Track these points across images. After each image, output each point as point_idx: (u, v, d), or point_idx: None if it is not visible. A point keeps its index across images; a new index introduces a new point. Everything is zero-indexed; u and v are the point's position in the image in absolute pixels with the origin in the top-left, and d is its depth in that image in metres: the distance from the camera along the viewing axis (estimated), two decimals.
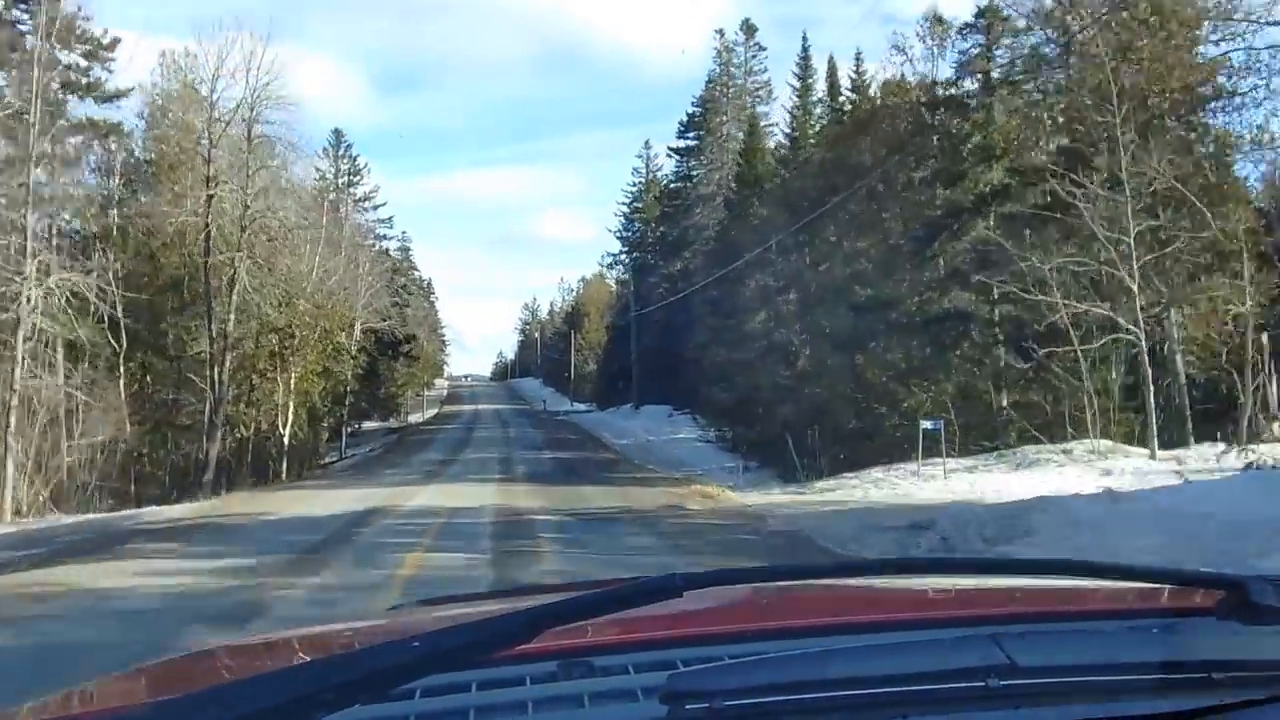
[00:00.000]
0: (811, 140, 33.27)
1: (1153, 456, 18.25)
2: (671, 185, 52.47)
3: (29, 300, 23.88)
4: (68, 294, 24.83)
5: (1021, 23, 23.42)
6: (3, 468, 23.03)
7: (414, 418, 66.32)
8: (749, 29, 50.09)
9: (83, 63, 29.49)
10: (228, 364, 31.08)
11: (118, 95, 29.56)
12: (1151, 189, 19.29)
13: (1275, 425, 19.52)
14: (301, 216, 33.62)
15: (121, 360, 31.03)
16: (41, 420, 25.90)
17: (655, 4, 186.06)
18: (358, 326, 47.92)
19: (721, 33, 50.20)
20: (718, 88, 49.86)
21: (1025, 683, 0.95)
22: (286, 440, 36.50)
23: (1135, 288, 18.37)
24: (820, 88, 35.25)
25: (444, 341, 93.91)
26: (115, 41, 29.21)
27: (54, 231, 31.02)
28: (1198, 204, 18.80)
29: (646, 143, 65.78)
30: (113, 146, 30.12)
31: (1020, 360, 21.84)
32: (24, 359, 24.16)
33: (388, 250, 55.37)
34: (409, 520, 15.29)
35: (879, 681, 0.94)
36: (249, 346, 33.91)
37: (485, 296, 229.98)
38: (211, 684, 1.14)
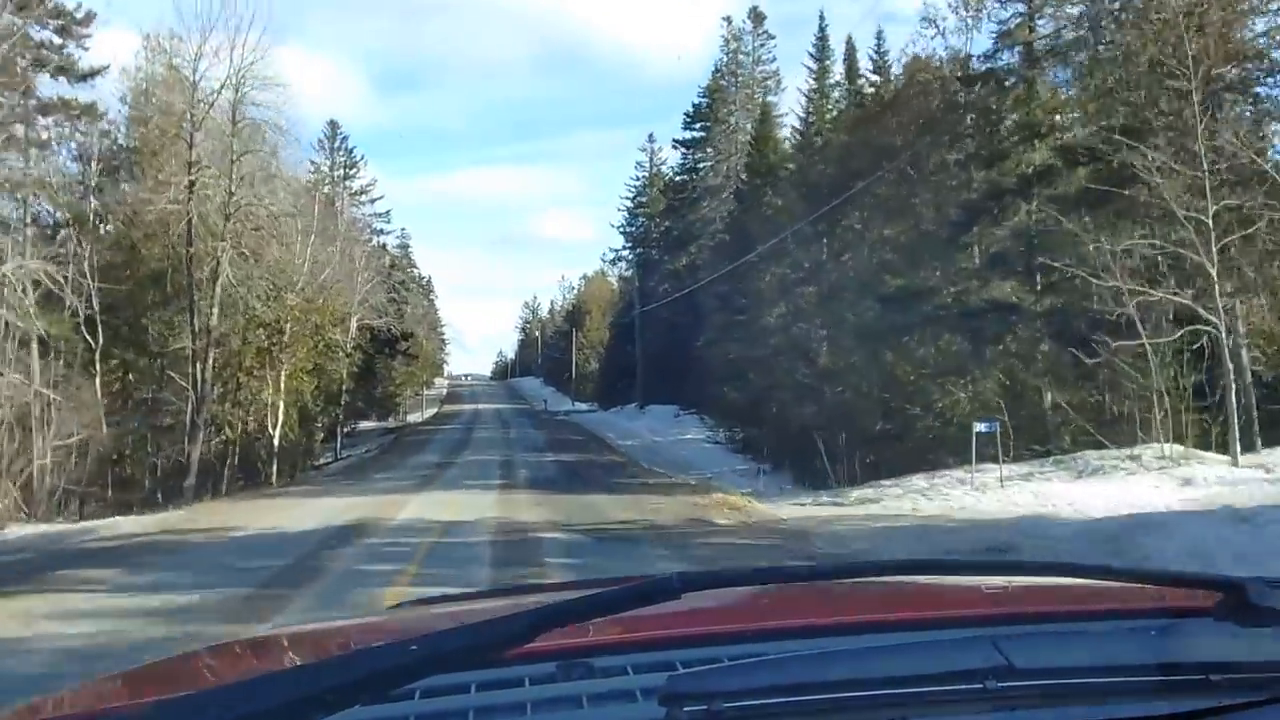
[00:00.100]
0: (829, 125, 31.00)
1: (1235, 463, 15.98)
2: (677, 178, 50.15)
3: None
4: (26, 284, 22.45)
5: None
6: None
7: (413, 417, 63.98)
8: (757, 17, 47.87)
9: (55, 39, 27.18)
10: (211, 361, 28.76)
11: (92, 74, 27.24)
12: (1226, 165, 17.02)
13: None
14: (292, 205, 31.22)
15: (98, 357, 28.71)
16: (4, 417, 23.62)
17: (656, 4, 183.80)
18: (353, 323, 45.67)
19: (729, 20, 47.99)
20: (725, 77, 47.59)
21: (1023, 684, 0.93)
22: (276, 441, 34.17)
23: (1214, 273, 16.08)
24: (837, 70, 32.99)
25: (443, 340, 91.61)
26: (90, 16, 26.89)
27: (28, 219, 28.81)
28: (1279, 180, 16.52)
29: (650, 136, 63.52)
30: (87, 128, 27.70)
31: (1072, 355, 19.57)
32: None
33: (384, 245, 53.08)
34: (395, 539, 13.00)
35: (878, 683, 0.92)
36: (235, 343, 31.61)
37: (486, 296, 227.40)
38: (211, 684, 1.10)
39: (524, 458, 31.70)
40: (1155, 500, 13.99)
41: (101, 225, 32.91)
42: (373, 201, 52.84)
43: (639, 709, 0.98)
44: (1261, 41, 18.59)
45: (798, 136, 33.25)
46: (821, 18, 35.73)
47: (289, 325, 33.05)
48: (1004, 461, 17.89)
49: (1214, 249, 16.05)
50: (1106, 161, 18.94)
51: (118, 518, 18.89)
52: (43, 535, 16.34)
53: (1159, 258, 17.90)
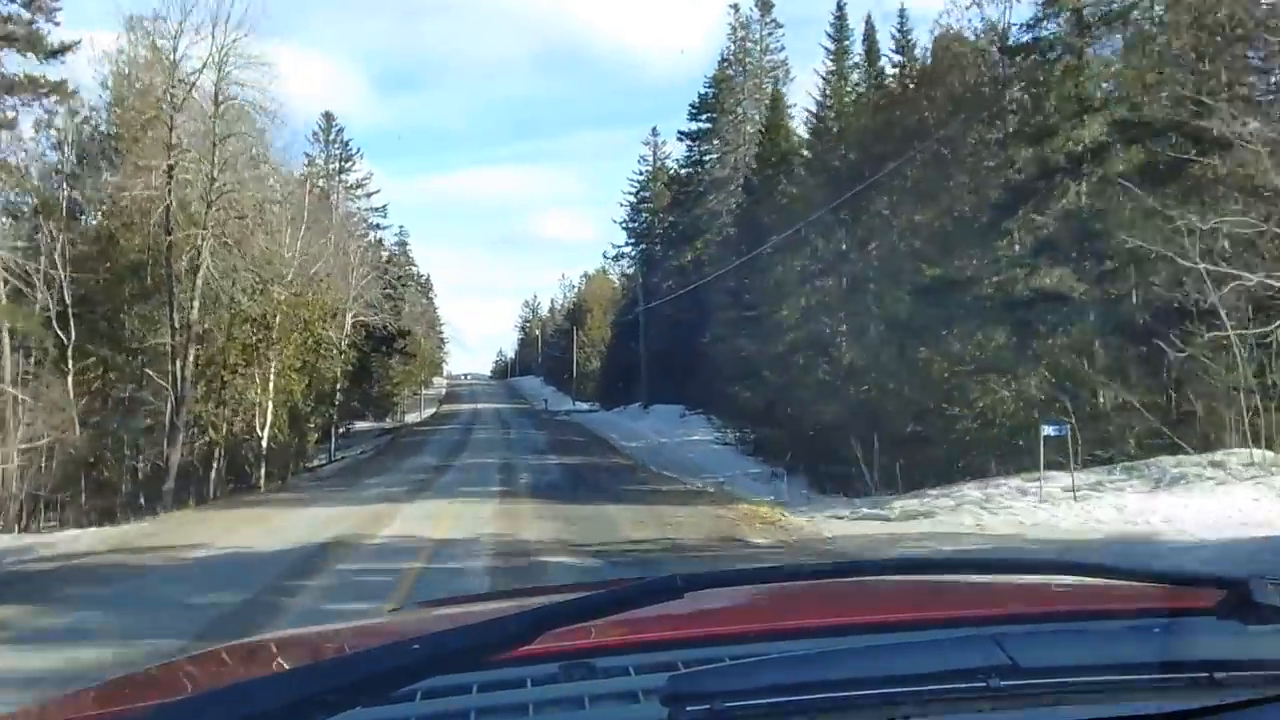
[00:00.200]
0: (849, 109, 28.88)
1: None
2: (682, 171, 47.95)
3: None
4: None
5: None
6: None
7: (411, 417, 61.76)
8: (765, 5, 45.65)
9: (24, 14, 24.99)
10: (191, 358, 26.58)
11: (62, 49, 25.03)
12: None
13: None
14: (280, 193, 29.04)
15: (70, 353, 26.56)
16: None
17: (657, 3, 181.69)
18: (349, 319, 43.50)
19: (736, 8, 45.76)
20: (732, 66, 45.41)
21: (1026, 683, 0.92)
22: (265, 443, 31.99)
23: None
24: (856, 51, 30.88)
25: (442, 339, 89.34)
26: None
27: None
28: None
29: (654, 130, 61.30)
30: (57, 106, 25.52)
31: (1135, 350, 17.47)
32: None
33: (381, 240, 50.87)
34: (375, 565, 10.83)
35: (880, 682, 0.91)
36: (219, 339, 29.45)
37: (486, 296, 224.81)
38: (212, 686, 1.10)
39: (525, 461, 29.55)
40: (1262, 515, 11.89)
41: (81, 216, 30.88)
42: (369, 195, 50.76)
43: (641, 709, 0.97)
44: None
45: (814, 122, 31.13)
46: None
47: (278, 320, 30.91)
48: (1064, 468, 15.78)
49: None
50: (1177, 133, 16.85)
51: (72, 530, 16.76)
52: None
53: (1225, 242, 15.84)
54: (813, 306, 26.48)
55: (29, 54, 24.96)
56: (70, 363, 26.60)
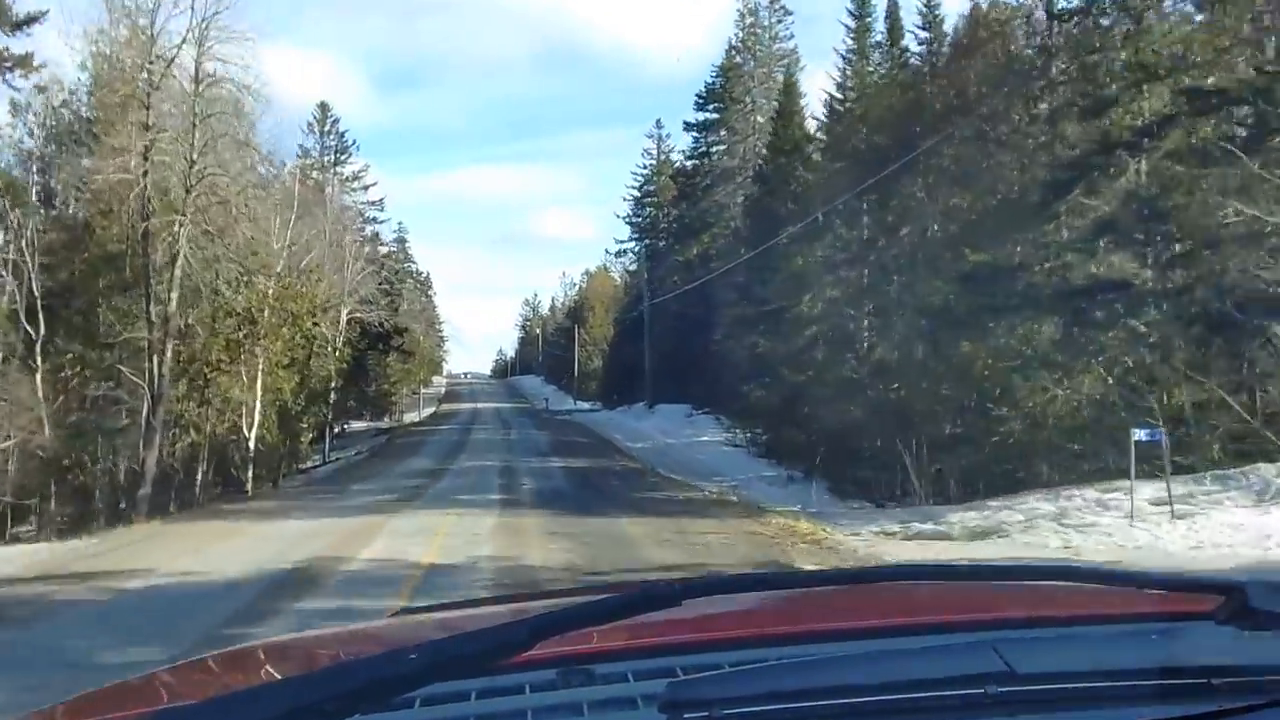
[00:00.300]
0: (872, 89, 26.75)
1: None
2: (688, 162, 45.74)
3: None
4: None
5: None
6: None
7: (409, 417, 59.59)
8: None
9: None
10: (169, 354, 24.38)
11: (29, 21, 22.90)
12: None
13: None
14: (267, 178, 26.83)
15: (39, 348, 24.39)
16: None
17: (657, 3, 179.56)
18: (343, 315, 41.34)
19: None
20: (740, 54, 43.23)
21: (1024, 689, 0.91)
22: (253, 445, 29.81)
23: None
24: (878, 29, 28.73)
25: (442, 338, 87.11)
26: None
27: None
28: None
29: (658, 121, 59.14)
30: (22, 80, 23.35)
31: (1215, 343, 15.33)
32: None
33: (378, 234, 48.67)
34: (346, 601, 8.64)
35: (878, 689, 0.89)
36: (202, 333, 27.26)
37: (486, 295, 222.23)
38: (211, 694, 1.06)
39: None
40: None
41: (58, 204, 28.75)
42: (365, 188, 48.51)
43: (640, 716, 0.96)
44: None
45: (834, 104, 28.95)
46: None
47: (266, 314, 28.74)
48: (1137, 478, 13.63)
49: None
50: (1259, 103, 14.71)
51: (3, 549, 14.51)
52: None
53: None
54: (835, 299, 24.29)
55: None
56: (40, 359, 24.43)
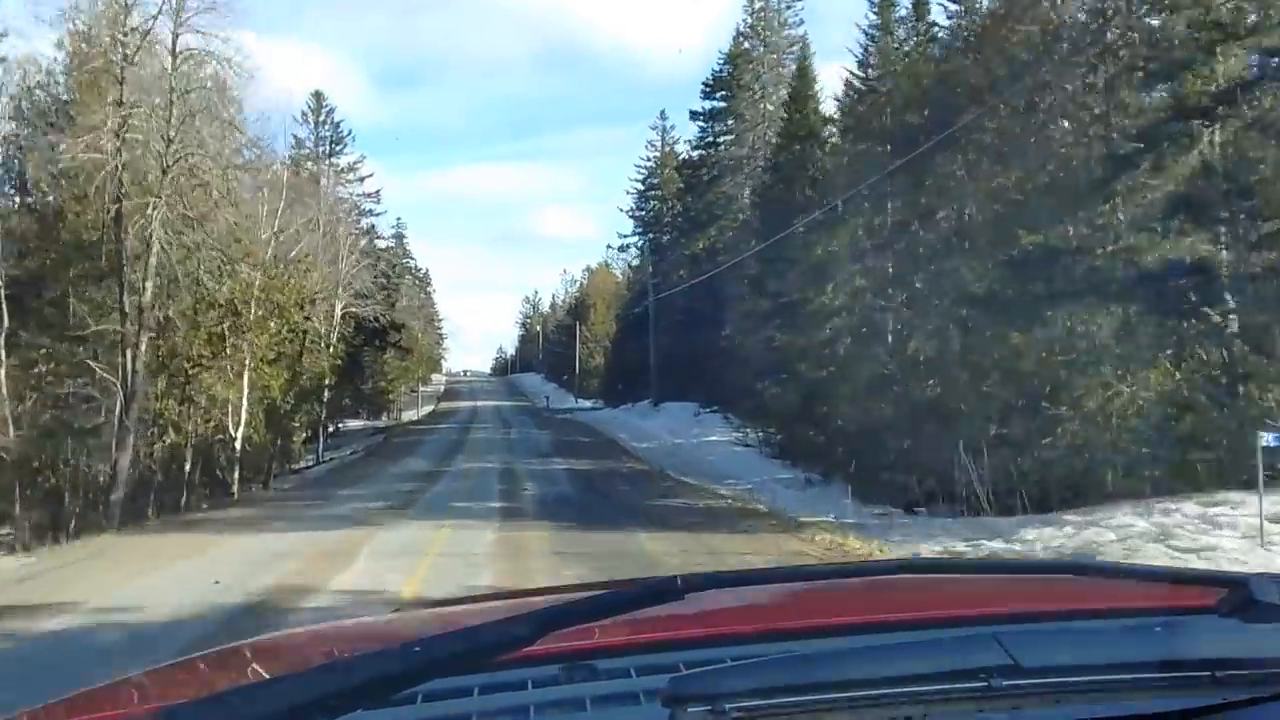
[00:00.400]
0: (897, 66, 24.74)
1: None
2: (694, 153, 43.62)
3: None
4: None
5: None
6: None
7: (408, 415, 57.53)
8: None
9: None
10: (144, 347, 22.30)
11: None
12: None
13: None
14: (258, 162, 24.76)
15: (2, 342, 22.32)
16: None
17: (657, 3, 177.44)
18: (338, 310, 39.29)
19: None
20: (749, 39, 41.14)
21: (1028, 682, 0.89)
22: (239, 445, 27.75)
23: None
24: (903, 2, 26.61)
25: (441, 335, 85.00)
26: None
27: None
28: None
29: (662, 113, 56.94)
30: None
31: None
32: None
33: (374, 227, 46.55)
34: None
35: (881, 682, 0.88)
36: (182, 327, 25.19)
37: (486, 293, 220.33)
38: (213, 690, 1.04)
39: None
40: None
41: (33, 190, 26.67)
42: (361, 180, 46.35)
43: (642, 711, 0.95)
44: None
45: (855, 83, 26.92)
46: None
47: (252, 306, 26.68)
48: (1216, 490, 11.63)
49: None
50: None
51: None
52: None
53: None
54: (861, 289, 22.25)
55: None
56: (4, 353, 22.37)
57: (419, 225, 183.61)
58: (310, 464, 37.60)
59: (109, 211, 22.24)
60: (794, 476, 27.26)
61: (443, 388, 79.67)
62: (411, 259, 67.30)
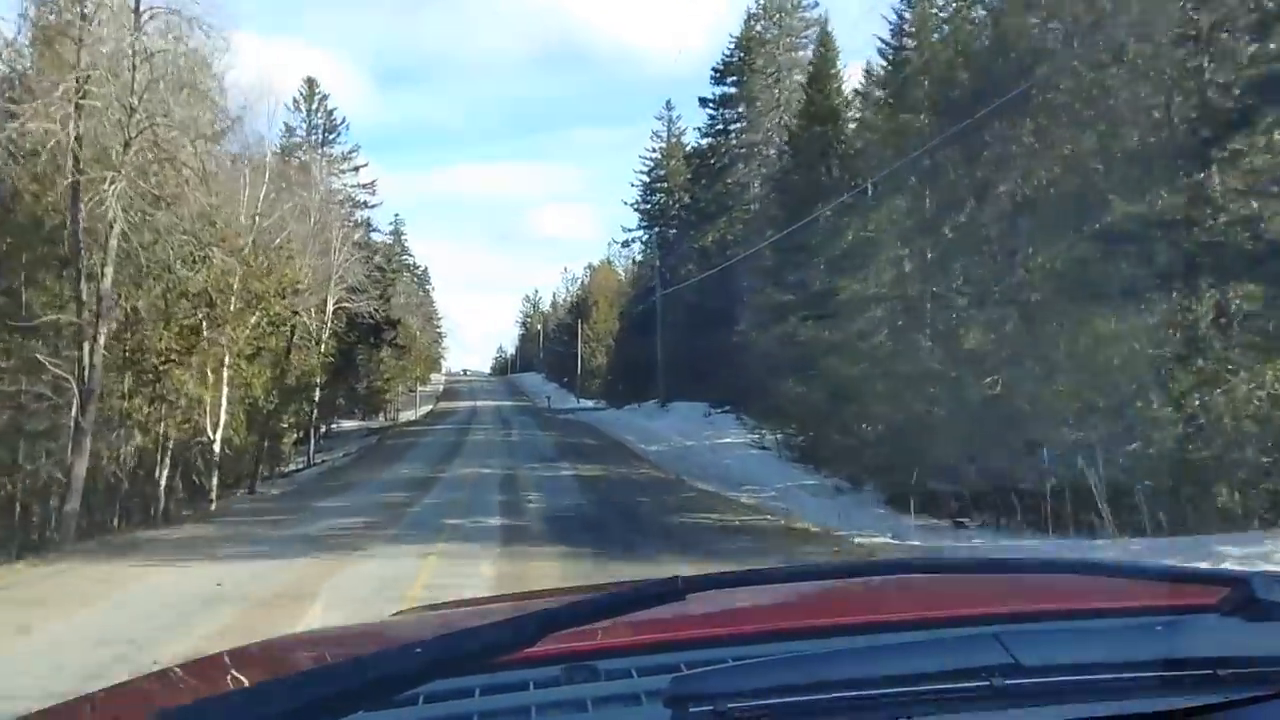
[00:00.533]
0: (939, 32, 22.12)
1: None
2: (703, 141, 40.89)
3: None
4: None
5: None
6: None
7: (406, 415, 54.78)
8: None
9: None
10: (102, 340, 19.54)
11: None
12: None
13: None
14: (218, 129, 21.96)
15: None
16: None
17: (657, 3, 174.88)
18: (330, 304, 36.56)
19: None
20: (762, 21, 38.42)
21: (1029, 682, 0.88)
22: (218, 448, 25.04)
23: None
24: None
25: (440, 333, 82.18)
26: None
27: None
28: None
29: (668, 103, 54.05)
30: None
31: None
32: None
33: (369, 220, 43.79)
34: None
35: (883, 682, 0.86)
36: (151, 318, 22.48)
37: (485, 292, 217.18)
38: (216, 691, 1.04)
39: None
40: None
41: None
42: (356, 170, 43.59)
43: (644, 711, 0.93)
44: None
45: (889, 53, 24.26)
46: None
47: (232, 299, 23.97)
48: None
49: None
50: None
51: None
52: None
53: None
54: (905, 275, 19.54)
55: None
56: None
57: (418, 224, 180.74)
58: (301, 466, 34.96)
59: (64, 187, 19.49)
60: (820, 483, 24.60)
61: (441, 387, 76.89)
62: (410, 256, 64.64)
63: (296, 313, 31.19)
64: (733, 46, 39.14)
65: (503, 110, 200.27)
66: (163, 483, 24.37)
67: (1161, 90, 14.33)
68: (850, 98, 28.61)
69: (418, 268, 68.86)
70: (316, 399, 36.26)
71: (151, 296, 22.31)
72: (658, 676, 0.93)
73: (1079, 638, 0.98)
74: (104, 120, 19.40)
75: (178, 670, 1.41)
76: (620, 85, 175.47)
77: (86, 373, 19.44)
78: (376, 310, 39.73)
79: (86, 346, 19.49)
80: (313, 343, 34.86)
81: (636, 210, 48.83)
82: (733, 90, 38.89)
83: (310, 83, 42.75)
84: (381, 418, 51.76)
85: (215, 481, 25.13)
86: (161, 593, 8.81)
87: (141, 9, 19.81)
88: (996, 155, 17.41)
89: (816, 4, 38.81)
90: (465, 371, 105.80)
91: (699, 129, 41.49)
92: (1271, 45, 13.29)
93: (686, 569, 9.29)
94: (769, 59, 37.53)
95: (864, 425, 22.75)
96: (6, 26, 23.23)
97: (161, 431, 23.63)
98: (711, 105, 39.71)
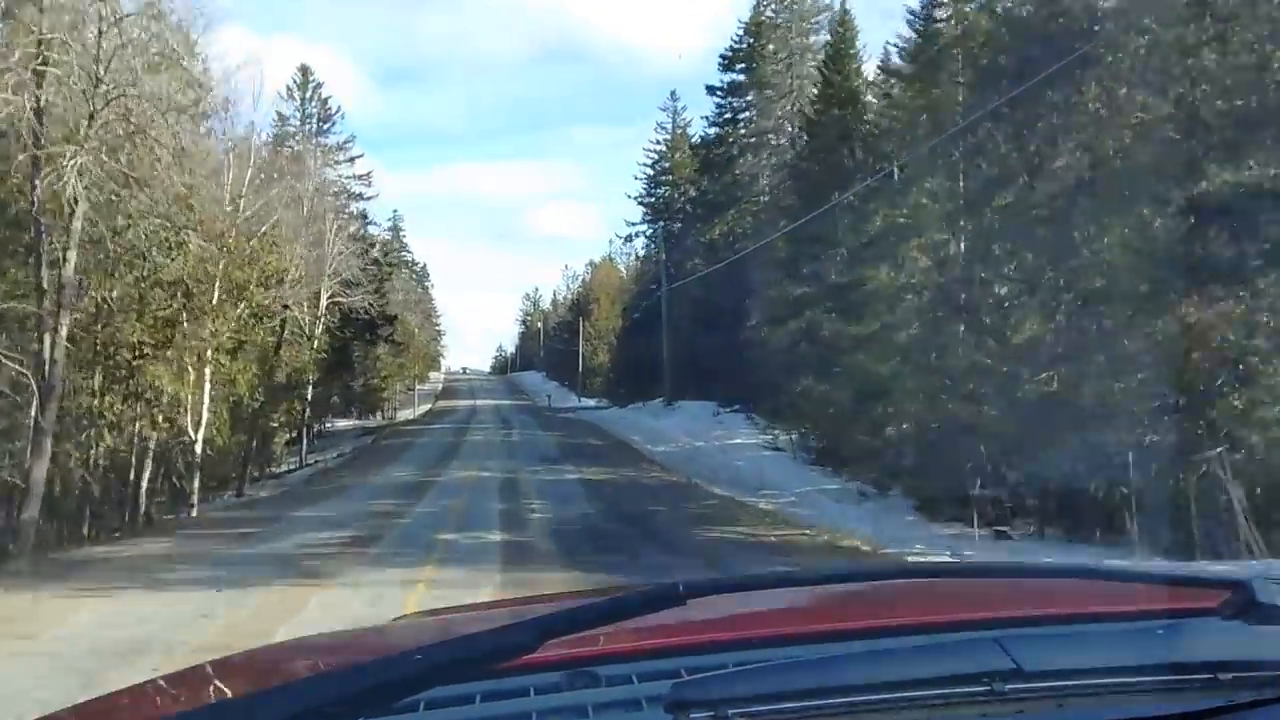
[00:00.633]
0: (972, 4, 20.22)
1: None
2: (711, 129, 38.84)
3: None
4: None
5: None
6: None
7: (404, 414, 52.80)
8: None
9: None
10: (64, 331, 17.56)
11: None
12: None
13: None
14: (197, 101, 19.95)
15: None
16: None
17: (656, 3, 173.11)
18: (323, 298, 34.62)
19: None
20: (772, 4, 36.45)
21: (1031, 686, 0.87)
22: (199, 449, 23.08)
23: None
24: None
25: (439, 331, 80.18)
26: None
27: None
28: None
29: (673, 93, 52.11)
30: None
31: None
32: None
33: (364, 212, 41.81)
34: None
35: (884, 687, 0.85)
36: (123, 309, 20.52)
37: (485, 291, 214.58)
38: (214, 699, 1.04)
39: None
40: None
41: None
42: (352, 161, 41.58)
43: (645, 717, 0.92)
44: None
45: (919, 25, 22.32)
46: None
47: (216, 289, 22.01)
48: None
49: None
50: None
51: None
52: None
53: None
54: (945, 260, 17.60)
55: None
56: None
57: (419, 223, 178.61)
58: (294, 467, 33.05)
59: (28, 168, 17.52)
60: (842, 487, 22.67)
61: (440, 386, 74.90)
62: (409, 252, 62.68)
63: (287, 306, 29.27)
64: (741, 32, 37.19)
65: (503, 109, 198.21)
66: (144, 485, 22.44)
67: (1259, 43, 12.40)
68: (871, 79, 26.66)
69: (416, 264, 66.94)
70: (309, 397, 34.34)
71: (124, 285, 20.36)
72: (658, 682, 0.91)
73: (1080, 642, 0.96)
74: (66, 90, 17.43)
75: (176, 678, 1.33)
76: (621, 83, 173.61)
77: (47, 368, 17.48)
78: (373, 305, 37.78)
79: (47, 339, 17.53)
80: (305, 338, 32.93)
81: (640, 204, 46.89)
82: (742, 78, 36.92)
83: (304, 70, 40.80)
84: (379, 416, 49.83)
85: (196, 485, 23.18)
86: (67, 642, 6.84)
87: None
88: (1051, 126, 15.46)
89: None
90: (465, 370, 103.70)
91: (706, 117, 39.57)
92: None
93: None
94: (781, 43, 35.58)
95: (890, 426, 20.85)
96: None
97: (136, 431, 21.69)
98: (720, 93, 37.76)
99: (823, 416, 24.58)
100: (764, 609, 1.31)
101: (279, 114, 39.52)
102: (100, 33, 17.62)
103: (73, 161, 16.38)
